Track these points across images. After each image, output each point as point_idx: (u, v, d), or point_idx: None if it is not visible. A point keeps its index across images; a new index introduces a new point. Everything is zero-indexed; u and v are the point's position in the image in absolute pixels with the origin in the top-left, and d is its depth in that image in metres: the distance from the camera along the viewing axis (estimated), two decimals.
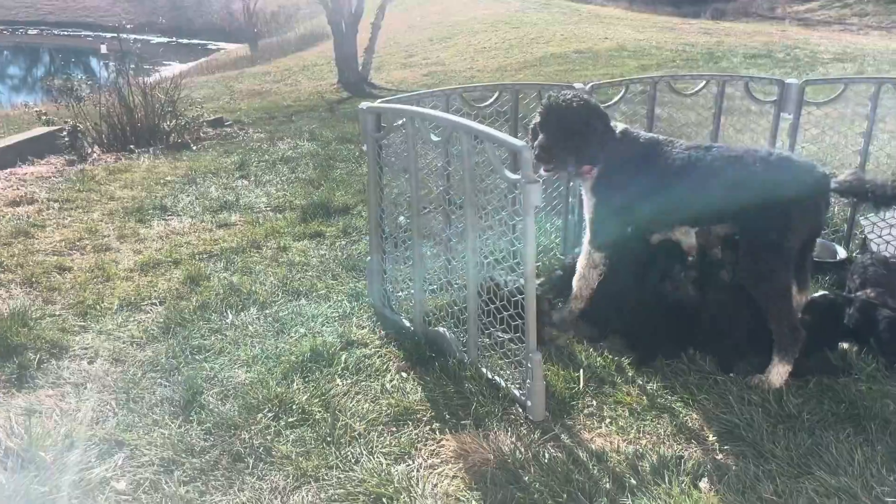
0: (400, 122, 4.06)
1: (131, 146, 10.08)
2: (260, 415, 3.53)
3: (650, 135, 4.10)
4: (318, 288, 4.93)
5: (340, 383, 3.81)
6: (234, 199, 7.16)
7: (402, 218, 4.41)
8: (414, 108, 3.89)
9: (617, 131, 4.09)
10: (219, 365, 4.00)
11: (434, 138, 3.75)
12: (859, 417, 3.40)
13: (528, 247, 3.28)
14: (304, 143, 9.99)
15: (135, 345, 4.27)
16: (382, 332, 4.32)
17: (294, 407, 3.58)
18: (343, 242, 5.84)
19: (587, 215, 4.24)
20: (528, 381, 3.46)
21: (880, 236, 5.41)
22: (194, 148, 10.10)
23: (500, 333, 3.79)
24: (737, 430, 3.36)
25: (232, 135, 11.14)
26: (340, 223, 6.25)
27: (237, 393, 3.72)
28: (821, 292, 4.31)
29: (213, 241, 5.98)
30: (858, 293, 4.25)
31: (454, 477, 3.13)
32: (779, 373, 3.69)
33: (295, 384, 3.79)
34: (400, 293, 4.53)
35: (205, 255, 5.66)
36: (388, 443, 3.35)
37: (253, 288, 4.93)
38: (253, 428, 3.44)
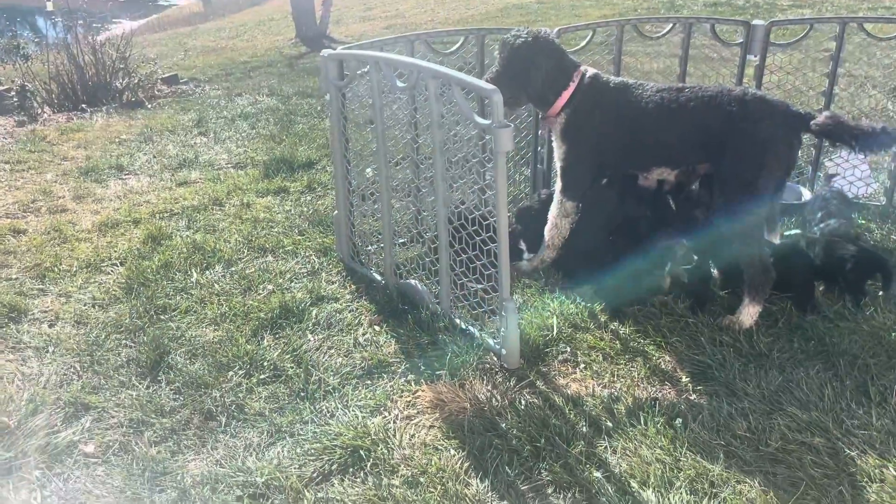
0: (364, 69, 3.94)
1: (83, 105, 9.73)
2: (231, 373, 3.46)
3: (620, 79, 4.04)
4: (285, 244, 4.83)
5: (312, 339, 3.75)
6: (192, 157, 6.96)
7: (369, 170, 4.32)
8: (379, 53, 3.77)
9: (587, 76, 4.03)
10: (185, 324, 3.90)
11: (400, 85, 3.64)
12: (828, 354, 3.46)
13: (499, 194, 3.22)
14: (264, 99, 9.75)
15: (97, 306, 4.15)
16: (353, 287, 4.25)
17: (265, 364, 3.52)
18: (308, 198, 5.72)
19: (557, 163, 4.19)
20: (502, 329, 3.44)
21: (844, 178, 5.48)
22: (149, 106, 9.79)
23: (472, 283, 3.76)
24: (709, 370, 3.39)
25: (188, 92, 10.82)
26: (304, 178, 6.12)
27: (206, 352, 3.63)
28: (790, 232, 4.34)
29: (174, 199, 5.81)
30: (821, 225, 4.29)
31: (431, 427, 3.11)
32: (749, 313, 3.72)
33: (265, 341, 3.72)
34: (369, 247, 4.46)
35: (165, 214, 5.50)
36: (363, 396, 3.32)
37: (217, 246, 4.81)
38: (224, 386, 3.37)
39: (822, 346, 3.52)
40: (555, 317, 3.85)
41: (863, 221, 5.07)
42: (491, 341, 3.59)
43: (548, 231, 4.32)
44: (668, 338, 3.66)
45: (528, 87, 3.97)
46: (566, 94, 4.03)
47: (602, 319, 3.88)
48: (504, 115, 3.12)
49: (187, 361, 3.56)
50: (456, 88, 3.29)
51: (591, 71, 4.07)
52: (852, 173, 5.47)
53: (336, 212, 4.48)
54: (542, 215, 4.37)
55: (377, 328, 3.84)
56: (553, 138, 4.19)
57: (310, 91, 9.93)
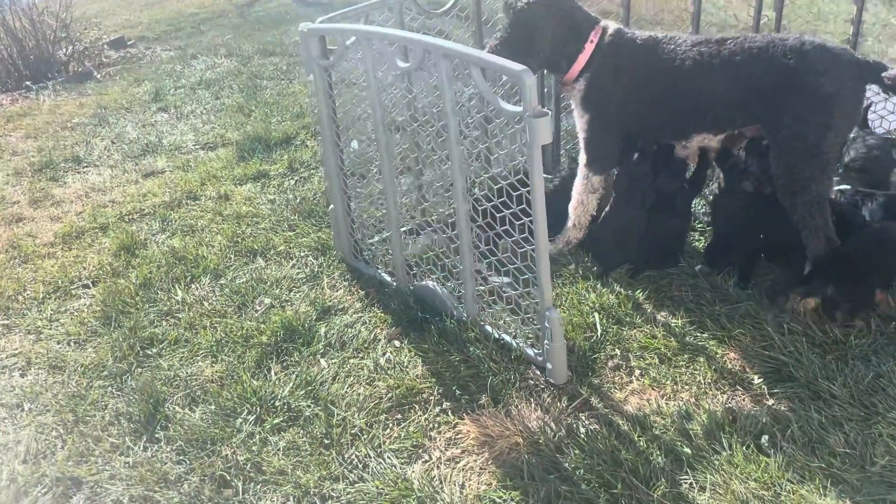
0: (350, 40, 3.35)
1: (27, 83, 8.90)
2: (239, 420, 3.00)
3: (648, 34, 3.50)
4: (276, 243, 4.30)
5: (326, 365, 3.28)
6: (156, 140, 6.31)
7: (354, 143, 3.78)
8: (370, 27, 3.18)
9: (607, 35, 3.49)
10: (178, 360, 3.40)
11: (402, 65, 3.08)
12: None
13: (536, 192, 2.72)
14: (222, 61, 8.98)
15: (72, 343, 3.63)
16: (361, 292, 3.77)
17: (278, 404, 3.05)
18: (292, 182, 5.15)
19: (581, 134, 3.69)
20: (546, 342, 3.00)
21: (874, 111, 5.03)
22: (98, 77, 8.99)
23: (505, 288, 3.30)
24: (784, 368, 2.99)
25: (138, 56, 9.98)
26: (284, 157, 5.53)
27: (206, 395, 3.15)
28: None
29: (142, 195, 5.21)
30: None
31: (482, 471, 2.69)
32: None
33: (273, 373, 3.25)
34: (372, 240, 3.95)
35: (135, 215, 4.91)
36: (395, 436, 2.88)
37: (199, 252, 4.27)
38: (234, 439, 2.91)
39: None
40: (596, 313, 3.41)
41: None
42: (531, 351, 3.15)
43: (573, 209, 3.84)
44: (727, 329, 3.25)
45: (535, 56, 3.45)
46: (582, 59, 3.52)
47: (648, 310, 3.45)
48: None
49: (187, 410, 3.08)
50: (475, 70, 2.74)
51: (612, 27, 3.53)
52: (883, 106, 5.02)
53: (331, 206, 3.95)
54: (562, 195, 3.88)
55: (397, 343, 3.38)
56: (574, 107, 3.67)
57: (271, 48, 9.17)
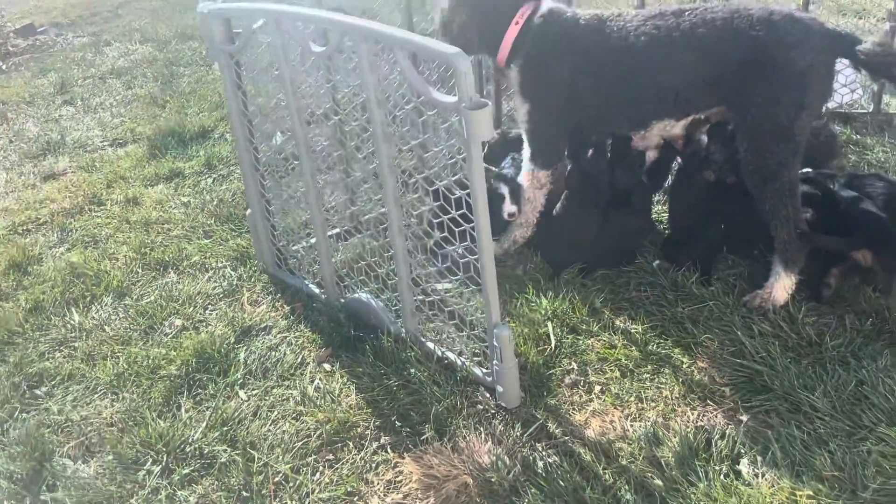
0: (258, 24, 2.91)
1: None
2: (142, 472, 2.56)
3: (592, 12, 3.14)
4: (190, 253, 3.83)
5: (245, 398, 2.86)
6: (58, 137, 5.70)
7: (278, 135, 3.34)
8: (279, 6, 2.73)
9: (538, 14, 3.14)
10: (71, 399, 2.93)
11: (316, 49, 2.65)
12: (892, 333, 2.82)
13: (477, 194, 2.34)
14: (137, 47, 8.32)
15: None
16: (286, 307, 3.34)
17: (188, 449, 2.62)
18: (209, 181, 4.66)
19: (522, 125, 3.33)
20: (495, 362, 2.64)
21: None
22: (3, 67, 8.22)
23: (439, 287, 2.93)
24: (758, 377, 2.70)
25: (48, 44, 9.19)
26: (201, 153, 5.02)
27: (104, 442, 2.70)
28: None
29: (39, 202, 4.65)
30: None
31: None
32: (784, 286, 3.03)
33: (183, 411, 2.81)
34: (297, 246, 3.52)
35: (29, 226, 4.36)
36: (326, 481, 2.49)
37: (101, 267, 3.76)
38: (135, 497, 2.47)
39: (881, 321, 2.88)
40: (549, 322, 3.07)
41: (856, 136, 4.45)
42: (479, 371, 2.79)
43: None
44: (692, 333, 2.95)
45: (458, 38, 3.11)
46: (507, 42, 3.17)
47: (605, 315, 3.12)
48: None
49: (80, 463, 2.63)
50: (400, 53, 2.33)
51: (545, 6, 3.17)
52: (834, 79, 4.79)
53: (249, 210, 3.50)
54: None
55: (328, 367, 2.98)
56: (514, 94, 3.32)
57: (190, 31, 8.54)
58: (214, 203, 4.30)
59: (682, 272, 3.26)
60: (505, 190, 3.38)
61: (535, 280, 3.35)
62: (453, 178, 2.45)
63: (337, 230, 3.48)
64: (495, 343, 2.58)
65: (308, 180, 3.04)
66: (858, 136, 4.43)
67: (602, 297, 3.21)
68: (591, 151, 3.28)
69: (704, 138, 3.28)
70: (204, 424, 2.71)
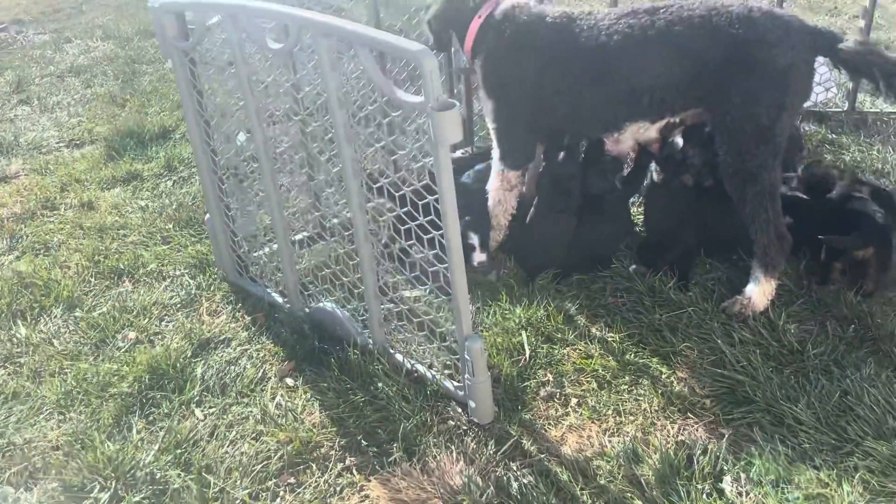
0: (213, 20, 2.74)
1: None
2: (89, 501, 2.38)
3: (561, 10, 3.02)
4: (146, 261, 3.64)
5: (202, 417, 2.69)
6: (12, 138, 5.44)
7: (241, 135, 3.17)
8: (234, 0, 2.56)
9: (498, 9, 3.03)
10: (14, 421, 2.74)
11: (274, 46, 2.49)
12: (875, 341, 2.73)
13: (446, 201, 2.21)
14: (98, 44, 8.04)
15: None
16: (247, 318, 3.17)
17: (139, 474, 2.45)
18: (169, 184, 4.46)
19: (489, 124, 3.22)
20: (466, 376, 2.50)
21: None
22: None
23: (407, 295, 2.79)
24: (739, 388, 2.60)
25: (7, 42, 8.86)
26: (161, 155, 4.81)
27: (49, 466, 2.52)
28: None
29: None
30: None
31: None
32: (763, 292, 2.93)
33: (135, 432, 2.63)
34: (260, 252, 3.35)
35: None
36: None
37: (52, 276, 3.56)
38: None
39: (863, 328, 2.80)
40: (524, 330, 2.94)
41: (832, 135, 4.40)
42: (450, 385, 2.66)
43: (490, 208, 3.36)
44: (670, 341, 2.84)
45: (436, 33, 3.04)
46: (470, 36, 3.07)
47: (581, 323, 3.01)
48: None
49: (22, 491, 2.44)
50: (362, 51, 2.18)
51: (510, 2, 3.05)
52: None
53: (208, 215, 3.33)
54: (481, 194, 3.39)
55: (290, 382, 2.82)
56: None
57: (153, 28, 8.26)
58: (174, 207, 4.11)
59: (658, 277, 3.15)
60: (475, 239, 3.23)
61: (508, 286, 3.22)
62: (420, 183, 2.30)
63: (301, 235, 3.32)
64: (467, 356, 2.45)
65: (268, 183, 2.88)
66: (834, 136, 4.37)
67: (578, 303, 3.09)
68: (561, 155, 3.15)
69: (679, 141, 3.17)
70: (156, 447, 2.54)
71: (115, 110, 5.82)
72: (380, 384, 2.70)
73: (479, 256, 3.24)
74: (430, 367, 2.75)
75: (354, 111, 2.40)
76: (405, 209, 2.44)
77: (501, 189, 3.29)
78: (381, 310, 2.79)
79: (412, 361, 2.76)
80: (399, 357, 2.79)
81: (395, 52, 2.07)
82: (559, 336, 2.93)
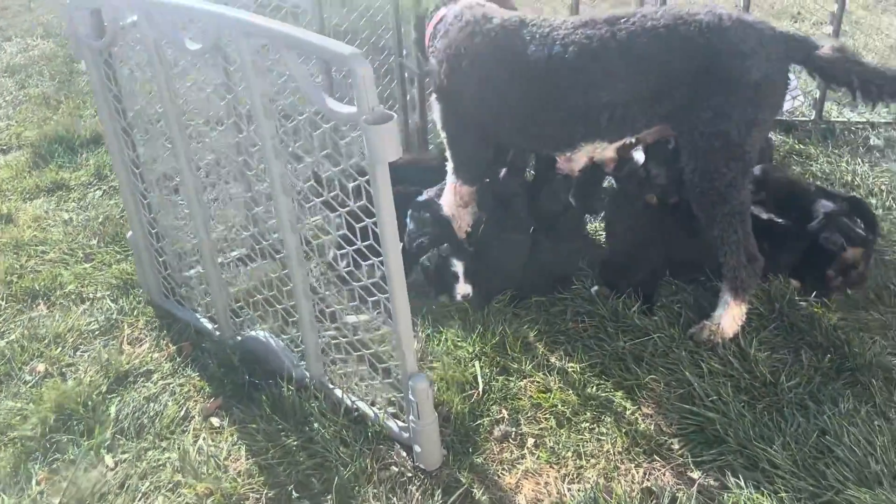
0: (129, 20, 2.44)
1: None
2: None
3: (514, 14, 2.78)
4: (65, 281, 3.30)
5: (112, 464, 2.39)
6: None
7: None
8: None
9: (452, 12, 2.80)
10: None
11: (192, 47, 2.20)
12: (854, 371, 2.54)
13: (384, 224, 1.95)
14: (38, 42, 7.60)
15: None
16: (172, 347, 2.87)
17: None
18: (97, 194, 4.11)
19: (441, 132, 2.98)
20: (411, 418, 2.24)
21: None
22: None
23: (350, 319, 2.52)
24: (709, 426, 2.38)
25: None
26: (91, 162, 4.45)
27: None
28: None
29: None
30: None
31: None
32: (733, 317, 2.73)
33: (34, 483, 2.32)
34: (189, 272, 3.04)
35: None
36: None
37: None
38: None
39: (839, 357, 2.61)
40: (477, 361, 2.69)
41: (799, 145, 4.24)
42: (394, 425, 2.39)
43: None
44: (635, 373, 2.61)
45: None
46: (427, 36, 2.84)
47: (540, 351, 2.77)
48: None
49: None
50: (288, 53, 1.91)
51: (463, 3, 2.81)
52: None
53: (130, 233, 3.02)
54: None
55: (216, 423, 2.53)
56: None
57: None
58: (100, 220, 3.77)
59: (622, 299, 2.93)
60: (459, 267, 2.91)
61: (461, 310, 2.96)
62: (357, 204, 2.03)
63: (238, 253, 3.03)
64: (411, 397, 2.19)
65: (192, 197, 2.58)
66: (802, 147, 4.21)
67: (536, 329, 2.86)
68: (503, 172, 2.92)
69: (640, 156, 2.96)
70: (57, 502, 2.23)
71: (46, 113, 5.42)
72: (315, 425, 2.42)
73: (462, 288, 2.93)
74: (373, 404, 2.48)
75: (280, 121, 2.12)
76: (341, 233, 2.17)
77: (455, 204, 3.05)
78: (318, 340, 2.51)
79: (353, 398, 2.49)
80: (339, 393, 2.52)
81: (323, 54, 1.80)
82: (515, 367, 2.69)
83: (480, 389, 2.58)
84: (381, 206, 1.91)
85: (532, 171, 3.30)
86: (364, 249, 2.11)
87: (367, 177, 1.92)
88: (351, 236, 2.13)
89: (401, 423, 2.37)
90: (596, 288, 3.04)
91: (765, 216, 2.95)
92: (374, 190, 1.89)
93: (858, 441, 2.24)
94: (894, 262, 3.08)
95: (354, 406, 2.47)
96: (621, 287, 2.98)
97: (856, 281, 2.84)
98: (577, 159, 2.89)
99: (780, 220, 2.95)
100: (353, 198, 2.02)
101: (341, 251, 2.21)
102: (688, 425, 2.40)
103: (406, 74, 3.88)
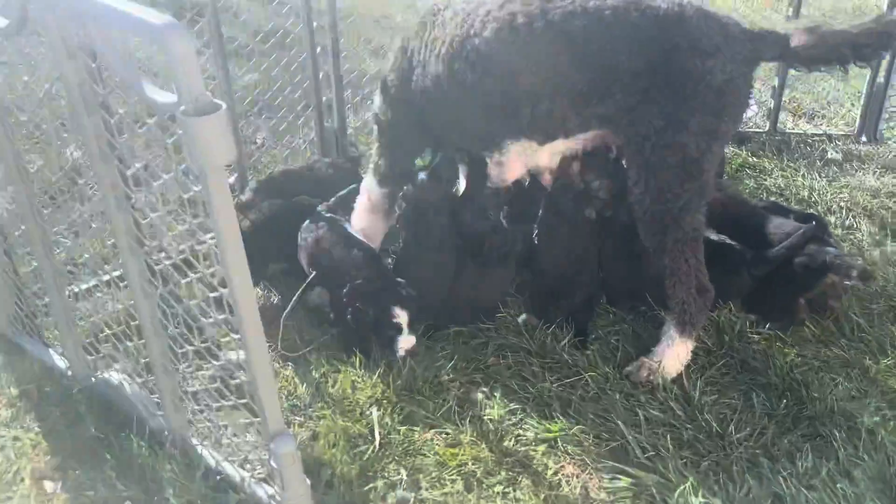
0: None
1: None
2: None
3: None
4: None
5: None
6: None
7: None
8: None
9: None
10: None
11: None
12: (812, 420, 2.17)
13: (226, 244, 1.51)
14: None
15: None
16: (13, 392, 2.38)
17: None
18: None
19: (374, 121, 2.60)
20: (276, 488, 1.81)
21: None
22: None
23: (231, 353, 2.07)
24: (645, 492, 1.98)
25: None
26: None
27: None
28: None
29: None
30: None
31: None
32: (677, 355, 2.36)
33: None
34: (44, 299, 2.55)
35: None
36: None
37: None
38: None
39: (796, 402, 2.24)
40: (375, 407, 2.27)
41: (753, 158, 3.91)
42: (264, 493, 1.95)
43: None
44: (561, 421, 2.21)
45: None
46: None
47: (452, 392, 2.35)
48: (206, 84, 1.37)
49: None
50: (93, 25, 1.47)
51: None
52: None
53: None
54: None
55: (49, 487, 2.06)
56: None
57: None
58: None
59: (552, 330, 2.53)
60: (402, 317, 2.42)
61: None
62: (196, 222, 1.60)
63: (95, 282, 2.56)
64: (273, 463, 1.75)
65: (27, 211, 2.12)
66: (755, 159, 3.89)
67: (451, 366, 2.44)
68: (422, 176, 2.51)
69: (577, 166, 2.57)
70: None
71: None
72: (169, 490, 1.96)
73: (406, 341, 2.43)
74: (244, 463, 2.03)
75: (104, 117, 1.67)
76: (183, 257, 1.73)
77: (363, 209, 2.64)
78: (175, 386, 2.06)
79: (218, 458, 2.04)
80: (201, 451, 2.07)
81: (129, 25, 1.37)
82: (422, 413, 2.27)
83: (377, 444, 2.16)
84: (218, 222, 1.48)
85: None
86: (208, 276, 1.67)
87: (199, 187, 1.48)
88: (193, 260, 1.69)
89: (272, 490, 1.93)
90: (524, 317, 2.65)
91: (715, 237, 2.58)
92: (208, 201, 1.46)
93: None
94: (855, 291, 2.73)
95: (219, 468, 2.02)
96: (551, 316, 2.59)
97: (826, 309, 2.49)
98: (508, 165, 2.48)
99: (732, 244, 2.58)
100: (190, 212, 1.58)
101: (185, 279, 1.77)
102: (619, 489, 2.00)
103: (321, 74, 3.46)
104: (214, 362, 1.86)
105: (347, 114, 3.63)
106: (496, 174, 2.53)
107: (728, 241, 2.59)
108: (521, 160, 2.45)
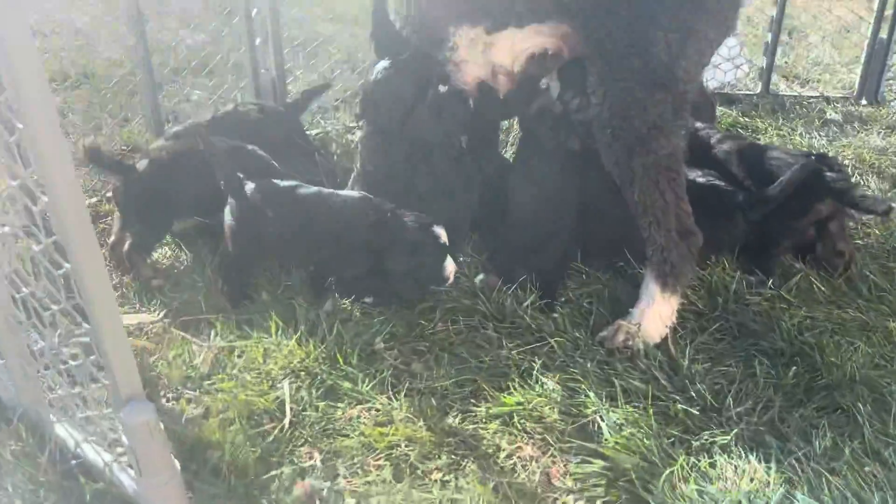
0: None
1: None
2: None
3: None
4: None
5: None
6: None
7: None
8: None
9: None
10: None
11: None
12: (829, 389, 1.76)
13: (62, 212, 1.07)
14: None
15: None
16: None
17: None
18: None
19: None
20: (131, 473, 1.36)
21: None
22: None
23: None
24: (621, 478, 1.55)
25: None
26: None
27: None
28: None
29: None
30: None
31: None
32: (658, 316, 1.94)
33: None
34: None
35: None
36: None
37: None
38: None
39: (808, 369, 1.82)
40: (288, 379, 1.83)
41: (744, 118, 3.53)
42: (128, 479, 1.50)
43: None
44: (519, 393, 1.78)
45: None
46: None
47: (388, 363, 1.91)
48: None
49: None
50: None
51: None
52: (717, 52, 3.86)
53: None
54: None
55: None
56: None
57: None
58: None
59: (512, 291, 2.11)
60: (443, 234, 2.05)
61: (287, 306, 2.09)
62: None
63: None
64: (124, 437, 1.31)
65: None
66: (747, 119, 3.51)
67: (389, 330, 2.00)
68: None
69: (555, 86, 2.15)
70: None
71: None
72: (8, 483, 1.51)
73: (451, 265, 2.08)
74: (112, 446, 1.58)
75: None
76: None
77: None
78: (23, 344, 1.61)
79: (78, 438, 1.59)
80: (61, 432, 1.62)
81: None
82: (347, 387, 1.83)
83: (287, 422, 1.71)
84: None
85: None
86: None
87: None
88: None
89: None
90: (482, 276, 2.22)
91: (702, 179, 2.17)
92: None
93: (846, 500, 1.44)
94: (870, 248, 2.34)
95: (78, 451, 1.58)
96: (515, 275, 2.16)
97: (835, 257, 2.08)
98: (462, 64, 2.03)
99: (721, 184, 2.16)
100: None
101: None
102: (588, 475, 1.57)
103: (254, 12, 3.03)
104: (54, 307, 1.42)
105: (286, 60, 3.19)
106: (456, 78, 2.09)
107: (716, 181, 2.18)
108: (474, 56, 2.02)
